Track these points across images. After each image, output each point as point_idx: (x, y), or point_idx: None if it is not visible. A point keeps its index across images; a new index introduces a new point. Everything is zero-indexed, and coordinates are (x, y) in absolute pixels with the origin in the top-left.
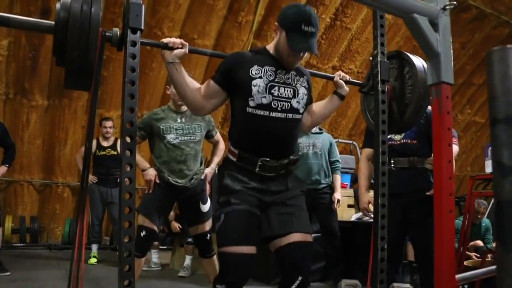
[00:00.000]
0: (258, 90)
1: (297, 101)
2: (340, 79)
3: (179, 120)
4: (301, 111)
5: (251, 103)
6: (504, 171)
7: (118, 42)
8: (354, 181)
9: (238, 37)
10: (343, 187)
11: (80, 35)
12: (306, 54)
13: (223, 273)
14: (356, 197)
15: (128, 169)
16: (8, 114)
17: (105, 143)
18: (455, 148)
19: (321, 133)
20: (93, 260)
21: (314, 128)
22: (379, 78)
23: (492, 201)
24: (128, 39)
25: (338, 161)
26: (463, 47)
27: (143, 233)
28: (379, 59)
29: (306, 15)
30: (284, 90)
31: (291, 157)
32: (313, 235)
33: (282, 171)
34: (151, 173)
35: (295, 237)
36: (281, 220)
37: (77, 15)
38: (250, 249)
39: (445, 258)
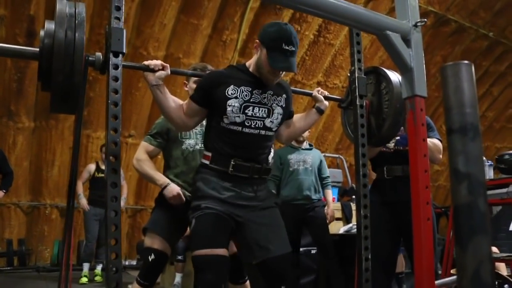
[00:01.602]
0: (232, 110)
1: (270, 121)
2: (319, 94)
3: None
4: (274, 129)
5: (225, 120)
6: (460, 177)
7: (101, 66)
8: (342, 195)
9: (223, 55)
10: None
11: (65, 62)
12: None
13: (199, 276)
14: (344, 210)
15: (113, 188)
16: None
17: (104, 167)
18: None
19: (311, 149)
20: (84, 280)
21: (304, 144)
22: (357, 93)
23: None
24: (110, 62)
25: (328, 177)
26: (444, 60)
27: (151, 257)
28: (356, 75)
29: (286, 34)
30: (259, 110)
31: (265, 164)
32: (302, 249)
33: (255, 175)
34: (174, 188)
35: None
36: (260, 244)
37: (62, 41)
38: (221, 251)
39: (424, 264)
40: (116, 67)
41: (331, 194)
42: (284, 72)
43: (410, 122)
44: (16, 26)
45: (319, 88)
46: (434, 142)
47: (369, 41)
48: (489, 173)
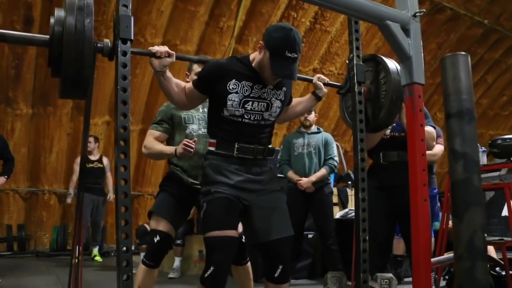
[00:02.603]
0: (232, 104)
1: (269, 114)
2: (319, 81)
3: (201, 110)
4: (272, 120)
5: (225, 112)
6: (457, 156)
7: (109, 52)
8: (338, 181)
9: (220, 42)
10: None
11: (75, 49)
12: None
13: (209, 255)
14: (340, 195)
15: (123, 170)
16: None
17: (92, 157)
18: (441, 147)
19: (318, 132)
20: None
21: (312, 128)
22: (355, 80)
23: None
24: (119, 49)
25: (332, 158)
26: (439, 47)
27: (156, 239)
28: (355, 62)
29: (290, 41)
30: (258, 104)
31: (268, 146)
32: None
33: (260, 156)
34: (180, 146)
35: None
36: (265, 227)
37: (72, 29)
38: (231, 233)
39: (421, 243)
40: (124, 53)
41: (323, 172)
42: None
43: (409, 108)
44: (14, 13)
45: (320, 75)
46: (427, 130)
47: (365, 28)
48: (483, 159)
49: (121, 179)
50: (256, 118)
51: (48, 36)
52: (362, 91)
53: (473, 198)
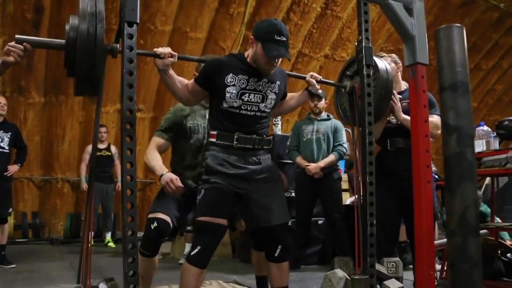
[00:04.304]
0: (230, 96)
1: (264, 105)
2: (312, 78)
3: (207, 117)
4: (268, 111)
5: (224, 104)
6: (450, 130)
7: (117, 54)
8: (349, 167)
9: (230, 28)
10: None
11: (87, 52)
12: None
13: (198, 237)
14: (351, 181)
15: (129, 153)
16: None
17: (101, 146)
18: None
19: (328, 119)
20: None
21: (322, 115)
22: (364, 63)
23: (486, 182)
24: (125, 32)
25: (341, 145)
26: None
27: (154, 225)
28: (363, 44)
29: (277, 27)
30: (254, 96)
31: (265, 136)
32: (313, 219)
33: (258, 146)
34: (169, 176)
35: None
36: (263, 213)
37: (84, 35)
38: (220, 221)
39: (424, 225)
40: (130, 37)
41: (332, 158)
42: (278, 62)
43: (412, 89)
44: (24, 1)
45: (313, 73)
46: (434, 120)
47: (377, 13)
48: (495, 144)
49: (127, 162)
50: (253, 109)
51: (64, 41)
52: (371, 73)
53: (466, 172)
